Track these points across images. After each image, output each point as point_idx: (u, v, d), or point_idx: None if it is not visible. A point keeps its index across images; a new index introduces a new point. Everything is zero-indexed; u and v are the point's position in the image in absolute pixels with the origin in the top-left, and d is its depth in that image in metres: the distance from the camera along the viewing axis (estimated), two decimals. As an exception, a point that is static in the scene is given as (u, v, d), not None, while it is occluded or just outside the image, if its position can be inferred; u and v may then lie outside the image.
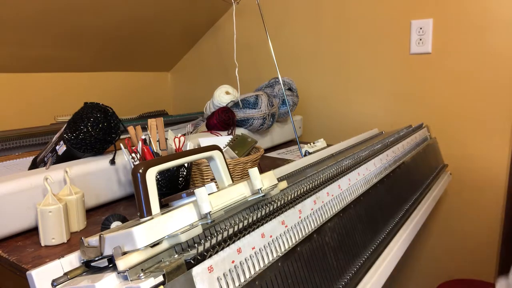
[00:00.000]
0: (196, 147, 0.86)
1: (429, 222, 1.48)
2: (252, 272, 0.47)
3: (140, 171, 0.47)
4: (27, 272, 0.41)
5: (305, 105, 1.69)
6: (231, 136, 1.04)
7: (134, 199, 0.47)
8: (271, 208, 0.56)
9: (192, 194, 0.53)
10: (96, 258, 0.42)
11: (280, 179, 0.66)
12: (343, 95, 1.63)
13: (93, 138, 0.79)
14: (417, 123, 1.39)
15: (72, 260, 0.44)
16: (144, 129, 0.88)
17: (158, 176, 0.77)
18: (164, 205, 0.55)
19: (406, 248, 0.83)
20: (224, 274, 0.44)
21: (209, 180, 0.86)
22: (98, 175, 0.81)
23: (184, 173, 0.82)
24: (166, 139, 0.86)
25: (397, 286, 1.61)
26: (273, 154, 1.31)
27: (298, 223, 0.58)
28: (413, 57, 1.43)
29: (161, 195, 0.58)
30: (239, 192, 0.55)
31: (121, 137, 0.84)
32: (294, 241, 0.56)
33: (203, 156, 0.59)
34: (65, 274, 0.41)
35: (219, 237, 0.46)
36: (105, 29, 1.61)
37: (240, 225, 0.49)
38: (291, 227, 0.56)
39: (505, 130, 1.28)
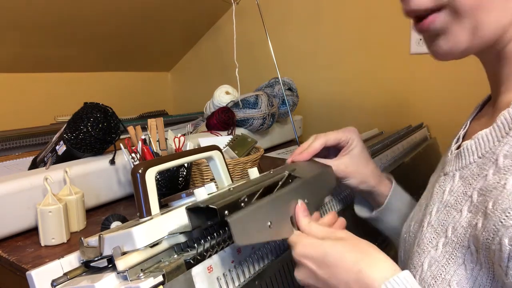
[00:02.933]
0: (196, 147, 0.86)
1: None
2: (252, 272, 0.47)
3: (140, 171, 0.47)
4: (27, 272, 0.41)
5: (305, 105, 1.69)
6: (231, 136, 1.04)
7: (134, 199, 0.47)
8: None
9: (192, 194, 0.53)
10: (96, 258, 0.41)
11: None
12: (343, 95, 1.62)
13: (93, 138, 0.79)
14: (417, 123, 1.38)
15: (72, 260, 0.44)
16: (144, 129, 0.88)
17: (158, 176, 0.77)
18: (164, 205, 0.55)
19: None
20: (224, 274, 0.44)
21: (209, 180, 0.86)
22: (98, 175, 0.81)
23: (184, 173, 0.82)
24: (166, 139, 0.86)
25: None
26: (273, 154, 1.30)
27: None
28: (413, 57, 1.43)
29: (161, 195, 0.58)
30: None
31: (121, 137, 0.84)
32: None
33: (203, 156, 0.59)
34: (65, 274, 0.41)
35: (219, 237, 0.46)
36: (105, 29, 1.61)
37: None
38: (291, 227, 0.56)
39: (505, 130, 1.28)
